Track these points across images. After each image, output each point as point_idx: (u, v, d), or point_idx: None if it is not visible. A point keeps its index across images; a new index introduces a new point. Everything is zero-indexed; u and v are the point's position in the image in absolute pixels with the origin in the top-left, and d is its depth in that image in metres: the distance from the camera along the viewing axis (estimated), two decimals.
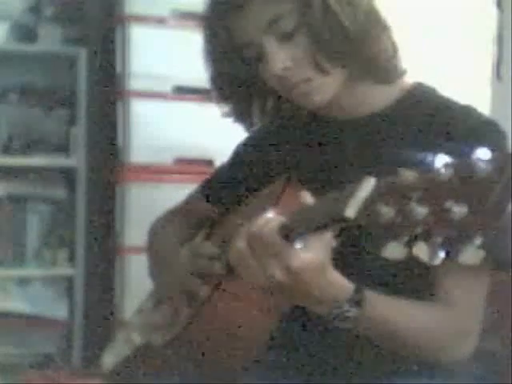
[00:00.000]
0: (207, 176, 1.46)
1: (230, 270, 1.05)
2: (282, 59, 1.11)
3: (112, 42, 2.51)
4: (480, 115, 1.13)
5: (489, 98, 2.65)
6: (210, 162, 2.35)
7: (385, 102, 1.18)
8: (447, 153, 0.68)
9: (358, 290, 0.99)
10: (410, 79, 1.20)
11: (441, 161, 0.67)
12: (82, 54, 2.58)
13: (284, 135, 1.28)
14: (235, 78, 1.20)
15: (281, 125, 1.29)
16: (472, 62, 2.63)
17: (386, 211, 0.69)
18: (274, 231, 0.92)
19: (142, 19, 2.40)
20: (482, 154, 0.65)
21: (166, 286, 1.31)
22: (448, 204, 0.65)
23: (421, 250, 0.68)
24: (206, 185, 1.44)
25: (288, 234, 0.92)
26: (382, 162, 1.11)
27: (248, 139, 1.38)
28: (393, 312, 1.03)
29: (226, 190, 1.37)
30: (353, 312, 0.98)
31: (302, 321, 1.15)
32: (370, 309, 0.99)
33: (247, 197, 1.31)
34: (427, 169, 0.68)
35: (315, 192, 0.96)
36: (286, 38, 1.11)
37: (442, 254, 0.68)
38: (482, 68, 2.65)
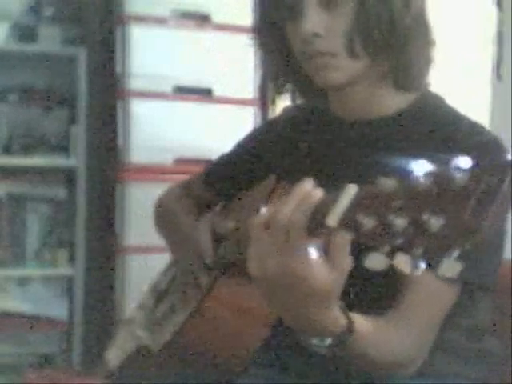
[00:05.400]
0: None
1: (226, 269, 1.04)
2: (315, 24, 1.07)
3: (112, 42, 2.51)
4: (488, 133, 1.08)
5: (489, 98, 2.65)
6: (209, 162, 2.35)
7: (395, 107, 1.14)
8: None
9: (348, 329, 0.88)
10: None
11: (421, 169, 0.66)
12: (82, 54, 2.58)
13: (289, 133, 1.27)
14: (271, 29, 1.15)
15: (286, 122, 1.28)
16: (472, 61, 2.63)
17: (366, 222, 0.68)
18: (305, 216, 0.79)
19: (142, 19, 2.40)
20: (462, 162, 0.64)
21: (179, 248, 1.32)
22: (425, 216, 0.64)
23: (402, 261, 0.67)
24: (206, 172, 1.43)
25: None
26: (381, 167, 1.09)
27: (253, 133, 1.38)
28: (370, 340, 0.94)
29: (225, 179, 1.38)
30: (333, 346, 0.88)
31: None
32: (351, 346, 0.90)
33: (243, 190, 1.31)
34: (407, 176, 0.66)
35: None
36: (330, 5, 1.07)
37: (422, 266, 0.67)
38: (482, 68, 2.65)
